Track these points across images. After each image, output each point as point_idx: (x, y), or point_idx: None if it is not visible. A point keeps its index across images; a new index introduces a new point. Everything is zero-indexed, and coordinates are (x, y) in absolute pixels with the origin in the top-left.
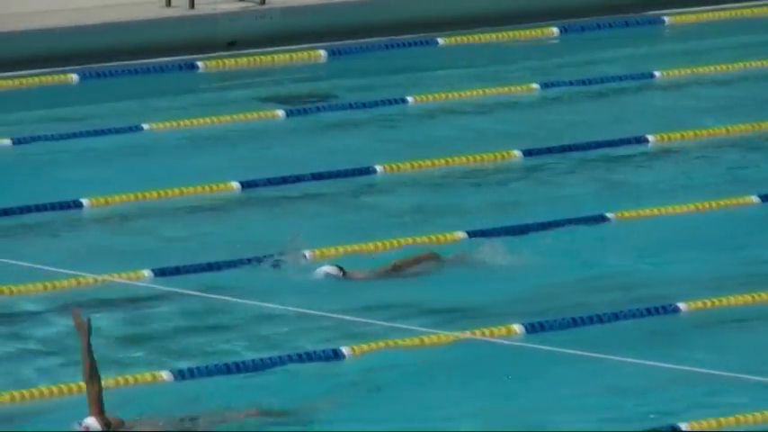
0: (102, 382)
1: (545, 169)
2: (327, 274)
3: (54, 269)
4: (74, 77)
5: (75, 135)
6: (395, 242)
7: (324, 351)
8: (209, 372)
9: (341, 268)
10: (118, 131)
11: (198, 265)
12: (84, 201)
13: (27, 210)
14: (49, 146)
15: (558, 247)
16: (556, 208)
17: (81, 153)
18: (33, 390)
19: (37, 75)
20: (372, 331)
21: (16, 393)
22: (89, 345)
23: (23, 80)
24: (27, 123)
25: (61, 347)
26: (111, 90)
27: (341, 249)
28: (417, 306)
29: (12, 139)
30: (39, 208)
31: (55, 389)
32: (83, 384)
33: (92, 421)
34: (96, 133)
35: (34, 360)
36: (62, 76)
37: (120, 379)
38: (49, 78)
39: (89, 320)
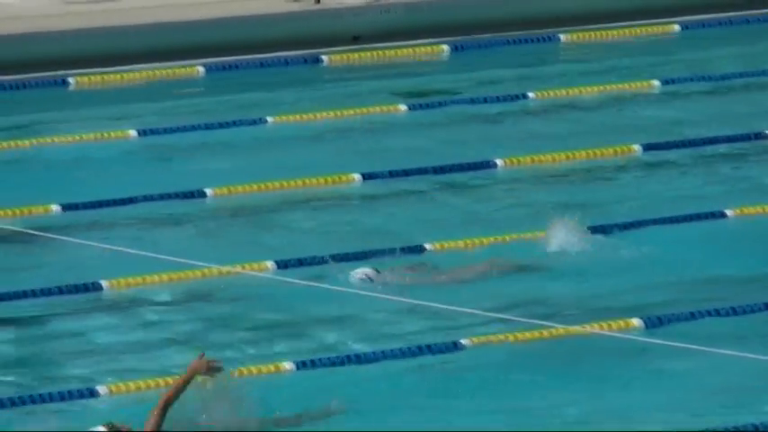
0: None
1: (664, 165)
2: (362, 280)
3: (179, 260)
4: (200, 70)
5: (200, 127)
6: (514, 236)
7: (444, 343)
8: (331, 362)
9: (376, 270)
10: (242, 124)
11: (319, 258)
12: (208, 191)
13: (151, 198)
14: (175, 137)
15: (677, 242)
16: (675, 203)
17: (206, 145)
18: (159, 379)
19: (164, 68)
20: (486, 324)
21: (142, 383)
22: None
23: (151, 73)
24: (153, 115)
25: (187, 337)
26: (237, 83)
27: (461, 243)
28: (529, 299)
29: (138, 130)
30: (163, 197)
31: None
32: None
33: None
34: (221, 125)
35: (160, 350)
36: (189, 69)
37: (245, 369)
38: (176, 71)
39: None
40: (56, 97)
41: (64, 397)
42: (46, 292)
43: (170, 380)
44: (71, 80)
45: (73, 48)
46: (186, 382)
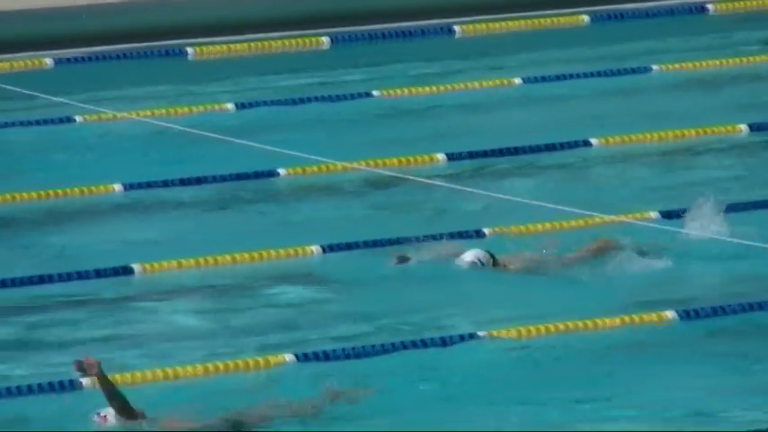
0: None
1: None
2: (473, 263)
3: (565, 208)
4: (584, 19)
5: (585, 75)
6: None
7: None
8: None
9: (491, 255)
10: (627, 72)
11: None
12: (594, 140)
13: (537, 149)
14: (559, 86)
15: None
16: None
17: (592, 93)
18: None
19: (548, 16)
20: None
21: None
22: (103, 378)
23: (535, 21)
24: (538, 64)
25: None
26: (624, 31)
27: None
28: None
29: (522, 78)
30: (548, 147)
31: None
32: None
33: (110, 411)
34: (607, 74)
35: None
36: (573, 18)
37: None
38: (560, 20)
39: (98, 364)
40: (443, 45)
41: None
42: (437, 237)
43: None
44: (456, 28)
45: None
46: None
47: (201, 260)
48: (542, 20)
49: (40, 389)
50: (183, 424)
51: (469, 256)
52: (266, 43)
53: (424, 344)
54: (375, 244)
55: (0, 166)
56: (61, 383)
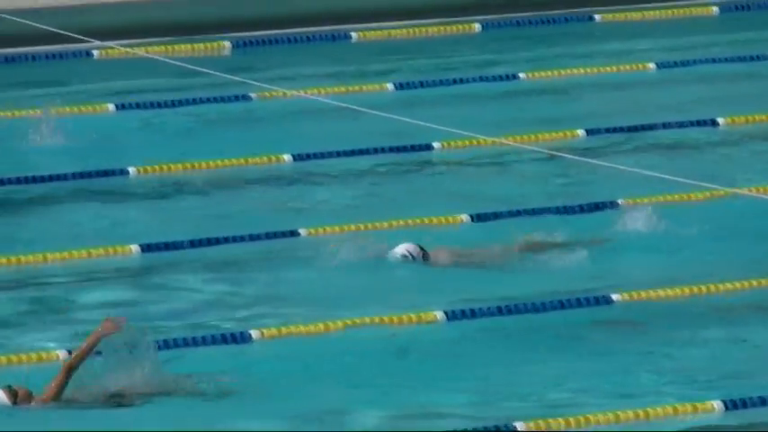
0: None
1: None
2: (404, 256)
3: (693, 182)
4: (714, 10)
5: (714, 60)
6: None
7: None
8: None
9: (422, 248)
10: (753, 59)
11: None
12: (720, 120)
13: (669, 125)
14: (686, 71)
15: None
16: None
17: (719, 77)
18: None
19: (679, 6)
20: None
21: None
22: (93, 347)
23: (668, 11)
24: (670, 50)
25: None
26: (749, 21)
27: None
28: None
29: (656, 63)
30: (681, 125)
31: None
32: None
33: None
34: (734, 60)
35: None
36: (703, 9)
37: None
38: (692, 10)
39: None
40: (581, 32)
41: None
42: (573, 209)
43: None
44: (597, 17)
45: None
46: (90, 348)
47: (361, 225)
48: (675, 10)
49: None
50: (53, 388)
51: (401, 249)
52: (424, 29)
53: None
54: (518, 213)
55: (185, 139)
56: None
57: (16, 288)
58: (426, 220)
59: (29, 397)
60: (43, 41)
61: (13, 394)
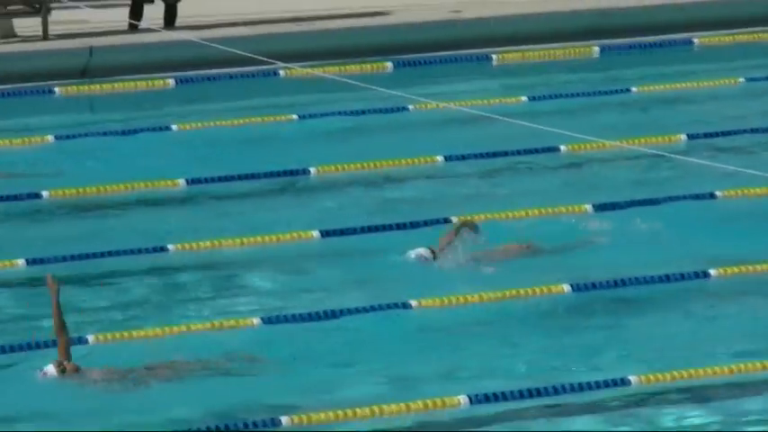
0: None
1: None
2: (419, 257)
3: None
4: None
5: None
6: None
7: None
8: None
9: (432, 250)
10: None
11: None
12: None
13: (757, 131)
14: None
15: None
16: None
17: None
18: None
19: (760, 32)
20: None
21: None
22: (58, 303)
23: (757, 35)
24: (759, 68)
25: None
26: None
27: None
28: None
29: (745, 78)
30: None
31: None
32: None
33: (50, 368)
34: None
35: None
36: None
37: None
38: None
39: (58, 281)
40: (683, 54)
41: None
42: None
43: None
44: (695, 41)
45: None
46: (57, 305)
47: (498, 214)
48: (760, 34)
49: None
50: (106, 376)
51: (415, 252)
52: (552, 51)
53: None
54: (633, 204)
55: (349, 142)
56: None
57: None
58: (552, 210)
59: (76, 370)
60: (237, 64)
61: (61, 368)
